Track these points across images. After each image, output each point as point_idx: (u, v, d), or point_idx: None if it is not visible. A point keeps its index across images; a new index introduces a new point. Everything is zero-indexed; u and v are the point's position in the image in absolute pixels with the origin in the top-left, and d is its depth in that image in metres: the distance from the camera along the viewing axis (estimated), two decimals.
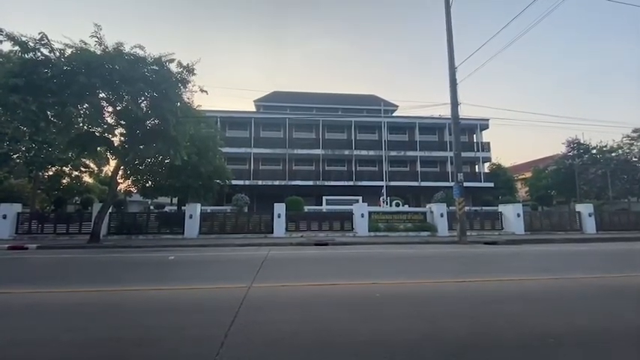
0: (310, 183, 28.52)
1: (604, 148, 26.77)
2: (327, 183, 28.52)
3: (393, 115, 33.78)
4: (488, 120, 30.86)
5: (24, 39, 10.36)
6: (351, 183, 28.90)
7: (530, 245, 11.56)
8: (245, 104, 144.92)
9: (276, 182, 28.25)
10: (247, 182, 27.40)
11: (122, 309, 3.92)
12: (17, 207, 14.58)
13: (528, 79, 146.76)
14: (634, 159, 25.79)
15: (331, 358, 2.55)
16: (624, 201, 25.88)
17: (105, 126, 12.43)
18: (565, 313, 3.66)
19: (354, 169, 29.94)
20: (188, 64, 11.83)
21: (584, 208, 16.64)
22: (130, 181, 18.27)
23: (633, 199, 25.78)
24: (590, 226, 16.13)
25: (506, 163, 36.11)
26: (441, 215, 15.56)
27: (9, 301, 4.32)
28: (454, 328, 3.18)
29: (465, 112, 35.65)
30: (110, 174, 15.36)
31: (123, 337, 2.99)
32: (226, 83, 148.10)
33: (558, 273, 5.93)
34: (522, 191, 35.37)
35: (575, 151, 27.80)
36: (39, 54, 10.65)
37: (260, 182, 28.08)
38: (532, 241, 12.55)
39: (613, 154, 26.15)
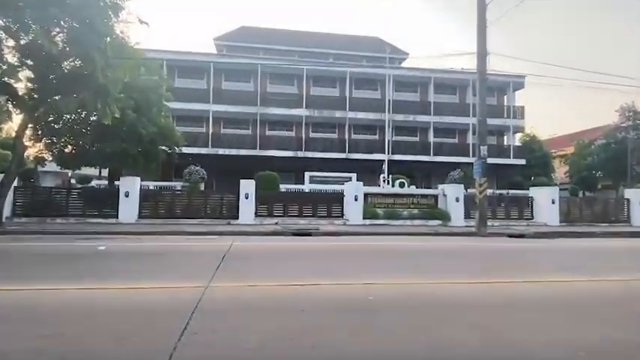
0: (289, 154, 28.51)
1: None
2: (311, 154, 28.59)
3: (402, 65, 33.60)
4: (524, 77, 31.05)
5: None
6: (343, 155, 29.05)
7: (565, 240, 12.12)
8: (203, 44, 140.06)
9: (244, 152, 28.05)
10: (204, 150, 27.09)
11: (37, 313, 3.91)
12: None
13: (584, 24, 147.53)
14: None
15: None
16: None
17: (4, 67, 11.85)
18: (601, 323, 3.90)
19: (347, 136, 29.98)
20: None
21: (635, 195, 17.34)
22: (42, 144, 17.69)
23: None
24: None
25: (543, 134, 36.84)
26: (457, 200, 15.95)
27: None
28: (464, 339, 3.34)
29: (495, 65, 35.76)
30: (14, 134, 14.83)
31: (42, 347, 3.00)
32: (178, 17, 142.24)
33: (596, 274, 6.26)
34: (561, 171, 36.48)
35: (631, 122, 28.20)
36: None
37: (221, 151, 27.80)
38: (568, 234, 13.15)
39: None
